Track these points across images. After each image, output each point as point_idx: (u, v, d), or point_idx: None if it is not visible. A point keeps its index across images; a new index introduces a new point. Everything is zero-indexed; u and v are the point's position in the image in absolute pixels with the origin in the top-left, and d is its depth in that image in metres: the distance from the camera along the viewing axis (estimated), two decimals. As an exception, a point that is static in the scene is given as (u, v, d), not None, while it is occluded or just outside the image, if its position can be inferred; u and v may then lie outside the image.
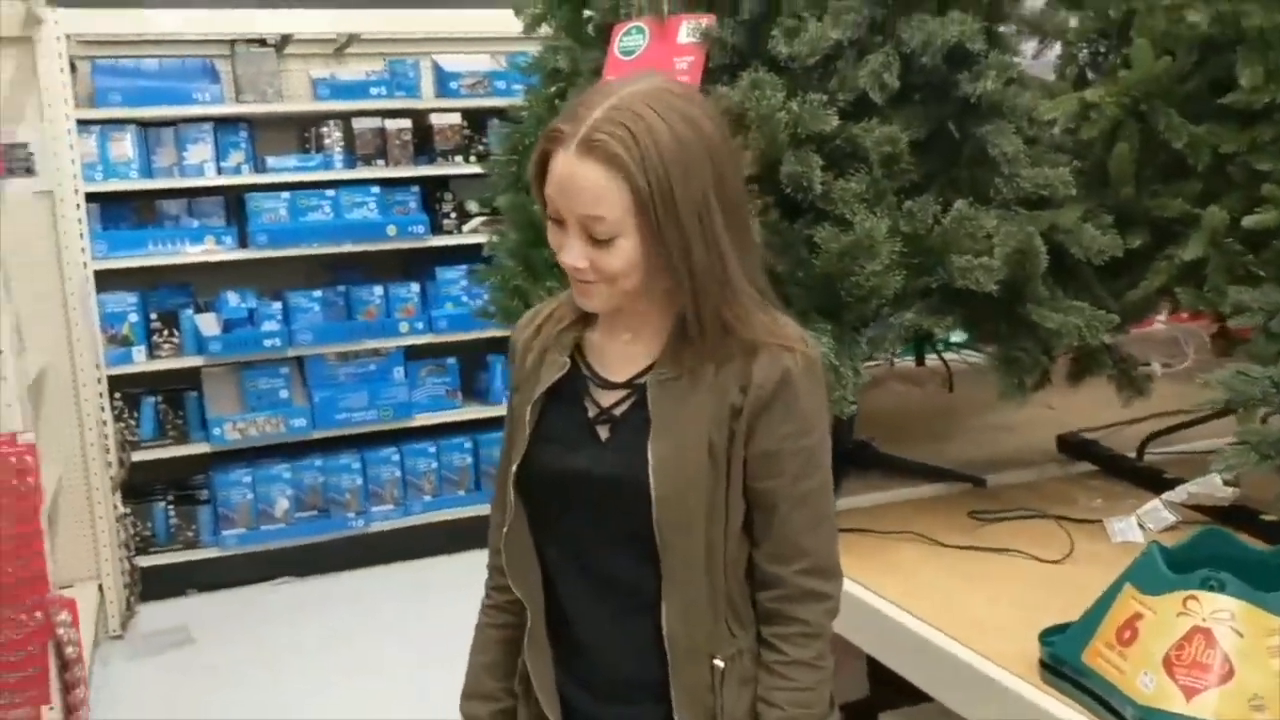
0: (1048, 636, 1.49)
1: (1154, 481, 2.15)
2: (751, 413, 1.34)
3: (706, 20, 2.06)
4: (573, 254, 1.32)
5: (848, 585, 1.85)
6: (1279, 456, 1.49)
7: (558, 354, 1.45)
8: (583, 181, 1.28)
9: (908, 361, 3.29)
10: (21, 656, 2.31)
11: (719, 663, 1.38)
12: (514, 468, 1.44)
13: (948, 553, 1.94)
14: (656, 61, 2.08)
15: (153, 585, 4.56)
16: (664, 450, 1.34)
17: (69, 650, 2.44)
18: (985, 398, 2.91)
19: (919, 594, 1.78)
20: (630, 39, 2.14)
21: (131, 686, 3.90)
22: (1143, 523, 1.96)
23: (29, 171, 4.01)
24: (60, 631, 2.41)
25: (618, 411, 1.40)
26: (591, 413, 1.42)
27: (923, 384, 3.19)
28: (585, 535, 1.42)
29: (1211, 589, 1.30)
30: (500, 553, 1.49)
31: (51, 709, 2.51)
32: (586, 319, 1.46)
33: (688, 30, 2.07)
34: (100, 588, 4.29)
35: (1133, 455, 2.29)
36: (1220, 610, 1.29)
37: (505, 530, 1.46)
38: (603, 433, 1.41)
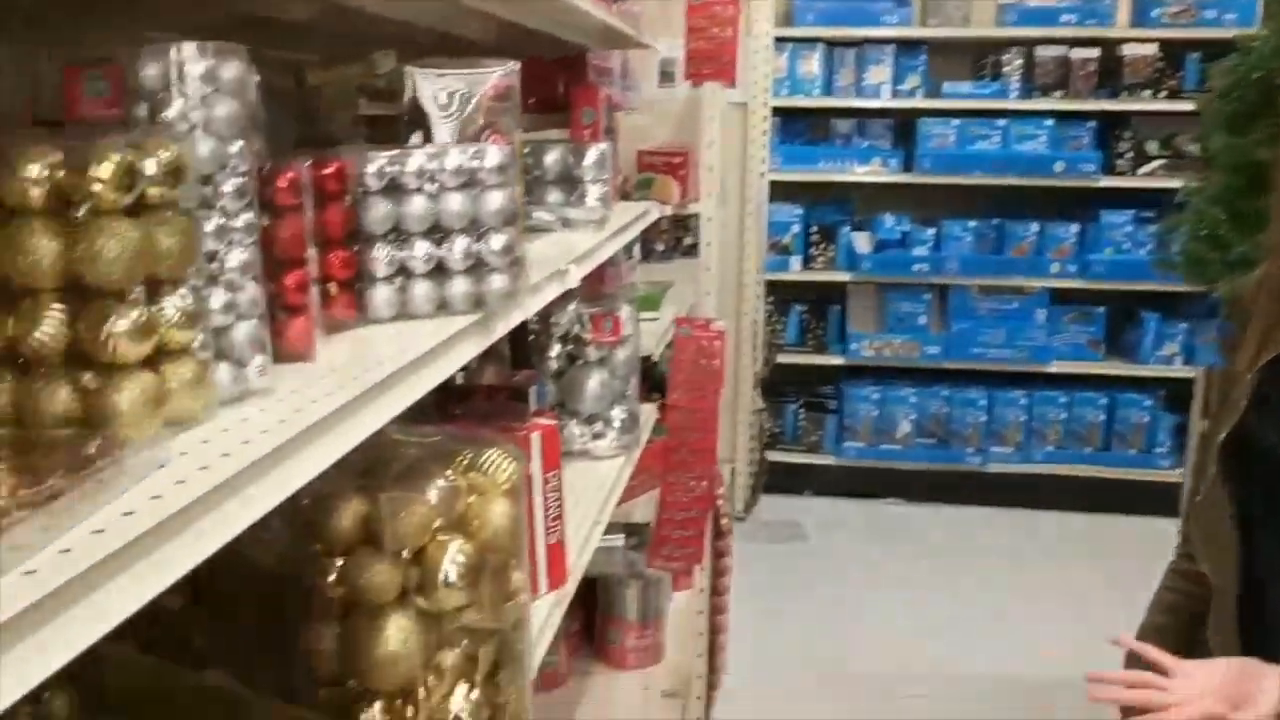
0: None
1: None
2: None
3: None
4: None
5: None
6: None
7: None
8: None
9: None
10: (687, 517, 2.59)
11: None
12: (1221, 435, 1.30)
13: None
14: None
15: (774, 480, 4.88)
16: None
17: (723, 521, 2.69)
18: None
19: None
20: None
21: (746, 567, 4.22)
22: None
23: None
24: (720, 503, 2.66)
25: None
26: None
27: None
28: None
29: None
30: (1190, 520, 1.37)
31: (702, 569, 2.79)
32: None
33: None
34: (733, 472, 4.67)
35: None
36: None
37: (1198, 500, 1.33)
38: None
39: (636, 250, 3.46)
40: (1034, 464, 4.77)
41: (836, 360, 4.90)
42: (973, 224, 4.74)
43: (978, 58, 4.85)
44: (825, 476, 4.94)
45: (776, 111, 4.69)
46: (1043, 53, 4.60)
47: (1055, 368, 4.74)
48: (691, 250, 4.41)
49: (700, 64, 2.49)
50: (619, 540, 2.87)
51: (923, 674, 3.48)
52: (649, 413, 2.50)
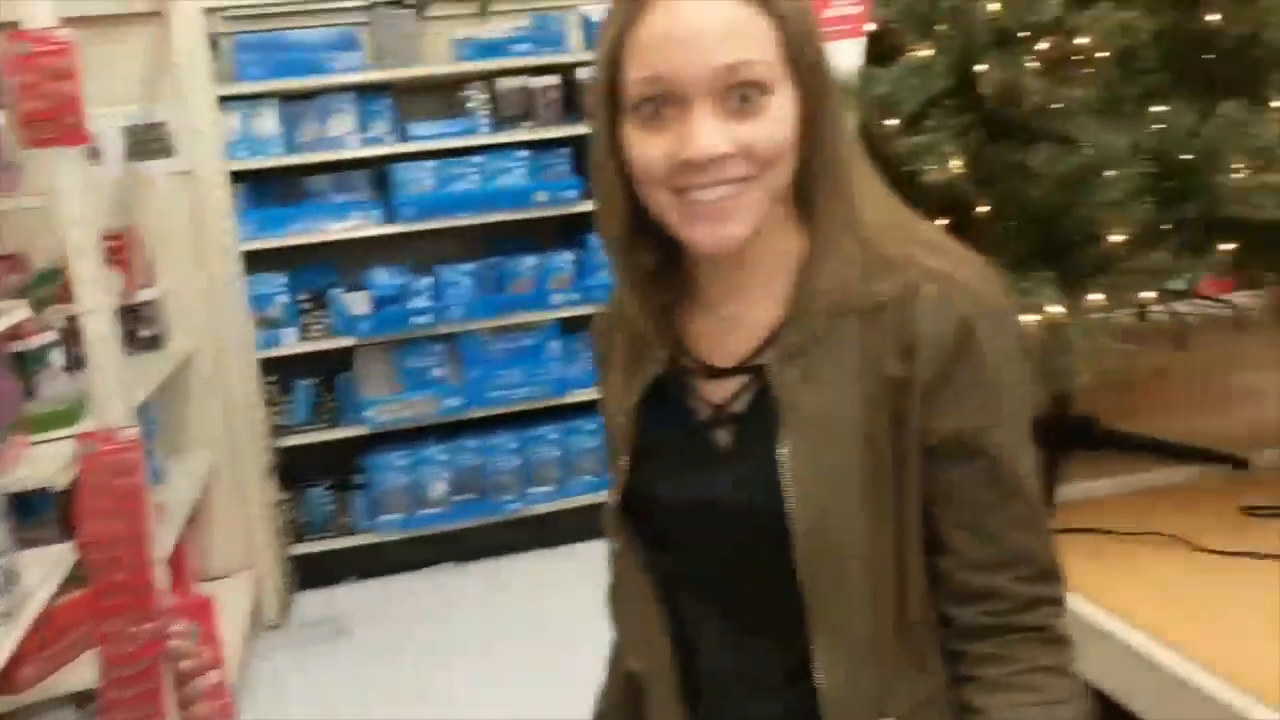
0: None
1: None
2: (927, 384, 0.96)
3: (879, -102, 1.66)
4: (711, 136, 0.92)
5: (1081, 605, 1.46)
6: None
7: (651, 346, 1.08)
8: (716, 19, 0.92)
9: (1127, 314, 2.80)
10: (136, 670, 2.12)
11: None
12: (614, 500, 1.10)
13: (1210, 560, 1.52)
14: (817, -44, 1.69)
15: (310, 573, 4.44)
16: (802, 456, 0.97)
17: (187, 664, 2.25)
18: (1228, 355, 2.42)
19: (1175, 616, 1.38)
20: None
21: (289, 678, 3.77)
22: None
23: (166, 153, 3.89)
24: (175, 643, 2.22)
25: (737, 407, 1.03)
26: (703, 414, 1.05)
27: (1145, 341, 2.69)
28: (719, 576, 1.06)
29: None
30: (611, 603, 1.16)
31: (173, 724, 2.33)
32: (674, 300, 1.08)
33: (856, -86, 1.68)
34: (256, 578, 4.18)
35: None
36: None
37: (612, 583, 1.13)
38: (722, 438, 1.04)
39: (56, 357, 2.93)
40: (576, 496, 4.68)
41: (356, 431, 4.54)
42: (469, 266, 4.57)
43: (443, 95, 4.70)
44: (366, 558, 4.55)
45: (238, 177, 4.27)
46: (504, 84, 4.53)
47: (578, 396, 4.67)
48: (154, 343, 3.91)
49: (39, 128, 2.06)
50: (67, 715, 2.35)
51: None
52: (53, 559, 2.03)
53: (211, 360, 4.11)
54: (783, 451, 0.97)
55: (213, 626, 2.58)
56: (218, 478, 4.12)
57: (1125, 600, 1.43)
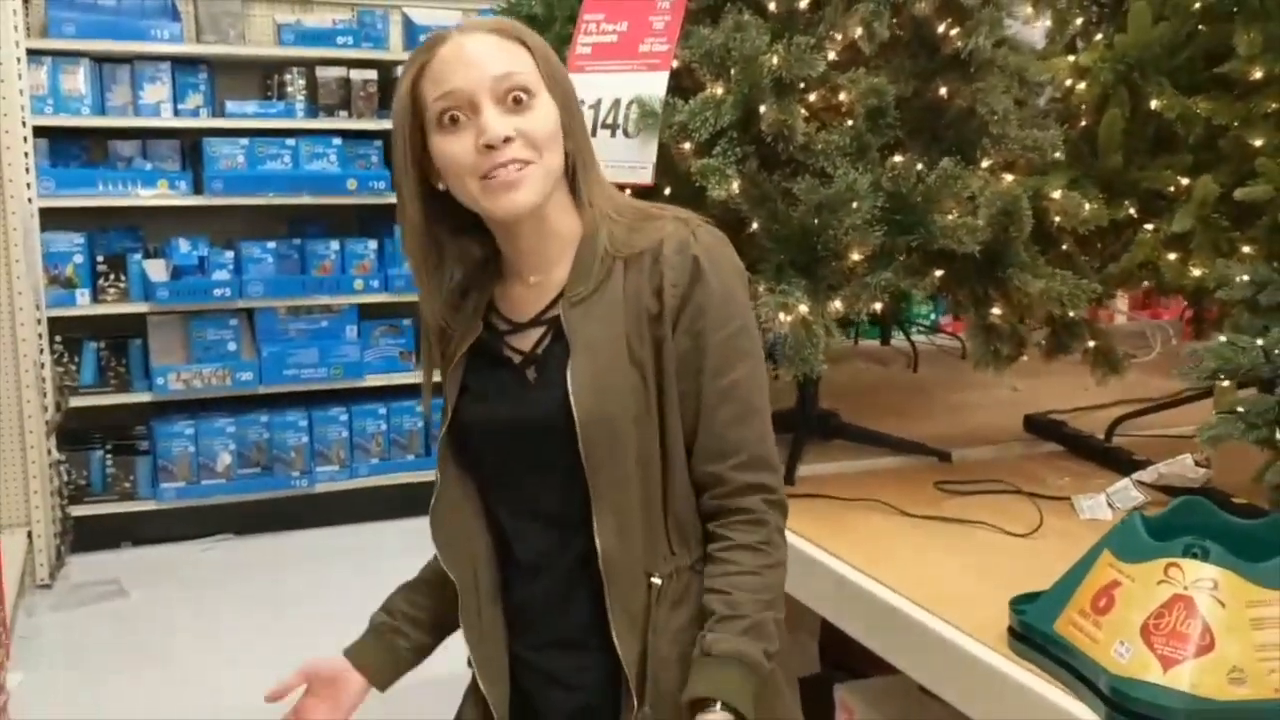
0: (1019, 605, 1.44)
1: (1122, 463, 2.11)
2: (671, 314, 1.29)
3: (691, -40, 1.97)
4: (498, 124, 1.23)
5: (807, 549, 1.80)
6: (1266, 428, 1.44)
7: (469, 317, 1.38)
8: (487, 47, 1.26)
9: (873, 342, 3.26)
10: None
11: (656, 580, 1.31)
12: (443, 433, 1.38)
13: (912, 522, 1.89)
14: (637, 1, 1.99)
15: (85, 536, 4.42)
16: (583, 373, 1.28)
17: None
18: (949, 378, 2.88)
19: (883, 561, 1.72)
20: (611, -24, 2.05)
21: (57, 637, 3.77)
22: (1111, 501, 1.92)
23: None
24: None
25: (540, 350, 1.34)
26: (516, 360, 1.35)
27: (887, 363, 3.14)
28: (530, 483, 1.35)
29: (1194, 557, 1.24)
30: (434, 526, 1.41)
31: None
32: (489, 279, 1.38)
33: (671, -31, 1.99)
34: (30, 535, 4.14)
35: (1100, 437, 2.25)
36: (1203, 579, 1.23)
37: (434, 503, 1.39)
38: (530, 374, 1.34)
39: None
40: (360, 478, 4.83)
41: (143, 397, 4.55)
42: (273, 245, 4.67)
43: (263, 77, 4.80)
44: (144, 524, 4.56)
45: (40, 132, 4.24)
46: (324, 73, 4.67)
47: (370, 381, 4.84)
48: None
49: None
50: None
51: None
52: None
53: (-2, 313, 4.06)
54: (570, 371, 1.28)
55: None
56: (-4, 432, 4.07)
57: (846, 548, 1.78)
